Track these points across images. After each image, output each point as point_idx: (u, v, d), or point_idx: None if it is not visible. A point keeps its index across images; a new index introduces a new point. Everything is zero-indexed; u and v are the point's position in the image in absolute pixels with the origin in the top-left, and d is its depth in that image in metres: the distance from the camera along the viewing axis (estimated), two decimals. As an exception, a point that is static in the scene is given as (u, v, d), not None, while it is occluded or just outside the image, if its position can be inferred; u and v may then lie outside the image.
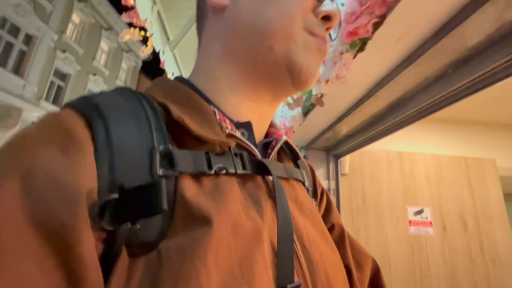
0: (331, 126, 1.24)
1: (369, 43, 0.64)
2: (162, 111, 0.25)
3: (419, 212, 1.53)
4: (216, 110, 0.27)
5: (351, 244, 0.39)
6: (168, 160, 0.22)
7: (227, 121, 0.27)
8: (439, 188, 1.58)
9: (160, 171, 0.21)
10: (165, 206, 0.19)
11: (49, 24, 8.34)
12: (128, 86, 0.27)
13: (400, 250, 1.44)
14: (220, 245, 0.20)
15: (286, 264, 0.23)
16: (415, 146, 1.65)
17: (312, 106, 1.08)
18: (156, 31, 1.76)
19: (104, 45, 10.65)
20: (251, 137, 0.30)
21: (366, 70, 0.76)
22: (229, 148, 0.26)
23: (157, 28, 1.72)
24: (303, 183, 0.36)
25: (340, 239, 0.38)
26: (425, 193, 1.56)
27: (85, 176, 0.19)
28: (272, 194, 0.27)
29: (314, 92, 0.91)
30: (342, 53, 0.70)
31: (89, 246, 0.17)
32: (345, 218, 1.44)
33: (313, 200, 0.38)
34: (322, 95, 0.92)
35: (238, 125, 0.30)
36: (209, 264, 0.19)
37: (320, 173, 1.52)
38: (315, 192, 0.41)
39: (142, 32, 1.80)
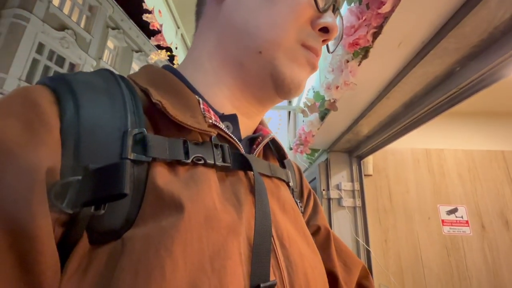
0: (349, 128, 1.26)
1: (372, 50, 0.68)
2: (142, 96, 0.24)
3: (453, 211, 1.46)
4: (200, 100, 0.26)
5: (339, 248, 0.39)
6: (142, 145, 0.21)
7: (212, 112, 0.27)
8: (474, 186, 1.50)
9: (131, 155, 0.20)
10: (126, 190, 0.18)
11: (88, 52, 9.28)
12: (109, 69, 0.26)
13: (433, 250, 1.39)
14: (190, 235, 0.19)
15: (262, 261, 0.22)
16: (444, 143, 1.59)
17: (328, 110, 1.12)
18: (181, 51, 1.92)
19: (135, 65, 11.56)
20: (235, 130, 0.29)
21: (374, 75, 0.79)
22: (210, 138, 0.26)
23: (181, 49, 1.89)
24: (288, 183, 0.35)
25: (325, 242, 0.38)
26: (458, 191, 1.49)
27: (47, 152, 0.17)
28: (253, 189, 0.26)
29: (326, 98, 0.96)
30: (347, 61, 0.75)
31: (45, 228, 0.16)
32: (371, 219, 1.43)
33: (298, 201, 0.37)
34: (335, 100, 0.96)
35: (223, 117, 0.29)
36: (176, 255, 0.18)
37: (343, 175, 1.53)
38: (301, 193, 0.40)
39: (169, 53, 1.99)
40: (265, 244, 0.22)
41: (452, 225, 1.44)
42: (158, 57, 1.97)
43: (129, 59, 11.26)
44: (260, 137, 0.32)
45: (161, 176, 0.21)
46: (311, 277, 0.26)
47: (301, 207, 0.38)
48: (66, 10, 8.64)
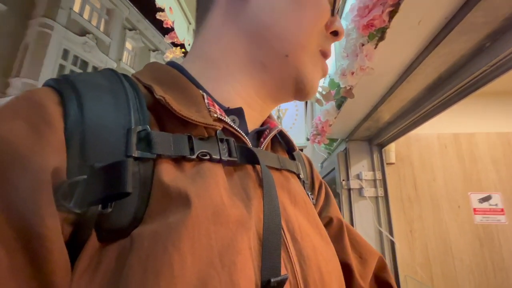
0: (368, 115, 1.21)
1: (389, 31, 0.64)
2: (146, 93, 0.24)
3: (486, 199, 1.37)
4: (204, 94, 0.26)
5: (354, 239, 0.38)
6: (146, 142, 0.21)
7: (216, 106, 0.26)
8: (510, 171, 1.39)
9: (135, 153, 0.20)
10: (129, 188, 0.18)
11: (109, 54, 9.64)
12: (112, 68, 0.25)
13: (464, 241, 1.32)
14: (198, 231, 0.19)
15: (272, 255, 0.21)
16: (475, 126, 1.47)
17: (345, 98, 1.08)
18: (194, 47, 1.93)
19: (153, 65, 11.86)
20: (242, 124, 0.29)
21: (392, 57, 0.74)
22: (215, 133, 0.25)
23: (194, 45, 1.89)
24: (298, 175, 0.34)
25: (339, 233, 0.37)
26: (491, 178, 1.38)
27: (53, 153, 0.18)
28: (262, 183, 0.25)
29: (342, 85, 0.92)
30: (363, 45, 0.71)
31: (53, 227, 0.16)
32: (395, 209, 1.38)
33: (309, 193, 0.37)
34: (351, 87, 0.92)
35: (229, 112, 0.28)
36: (184, 251, 0.18)
37: (364, 164, 1.48)
38: (313, 185, 0.40)
39: (183, 50, 2.00)
40: (275, 238, 0.22)
41: (485, 214, 1.34)
42: (173, 55, 1.99)
43: (146, 58, 11.56)
44: (268, 130, 0.31)
45: (167, 172, 0.21)
46: (325, 270, 0.26)
47: (312, 199, 0.37)
48: (85, 15, 8.99)
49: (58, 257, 0.16)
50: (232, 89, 0.29)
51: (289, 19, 0.28)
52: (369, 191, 1.41)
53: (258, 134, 0.32)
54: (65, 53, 8.30)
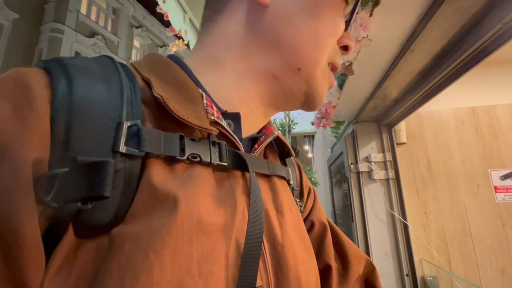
0: (373, 93, 1.13)
1: (383, -7, 0.57)
2: (143, 85, 0.23)
3: (509, 175, 1.27)
4: (204, 94, 0.25)
5: (339, 243, 0.38)
6: (136, 138, 0.20)
7: (215, 108, 0.26)
8: (536, 144, 1.27)
9: (123, 149, 0.19)
10: (107, 192, 0.17)
11: (118, 54, 9.79)
12: (110, 56, 0.25)
13: (484, 221, 1.24)
14: (181, 238, 0.18)
15: (250, 267, 0.21)
16: (495, 98, 1.35)
17: (345, 76, 1.01)
18: (192, 37, 1.89)
19: (162, 61, 11.92)
20: (237, 129, 0.28)
21: (390, 24, 0.67)
22: (208, 135, 0.25)
23: (191, 33, 1.86)
24: (288, 182, 0.34)
25: (321, 236, 0.37)
26: (515, 152, 1.27)
27: (35, 141, 0.17)
28: (249, 191, 0.25)
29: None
30: (356, 13, 0.64)
31: (29, 221, 0.15)
32: (408, 191, 1.31)
33: (298, 200, 0.36)
34: (350, 63, 0.86)
35: (226, 115, 0.28)
36: (165, 259, 0.17)
37: (373, 146, 1.41)
38: (301, 192, 0.39)
39: (186, 42, 1.97)
40: (255, 250, 0.22)
41: (508, 192, 1.25)
42: (176, 48, 1.96)
43: (155, 55, 11.62)
44: (263, 137, 0.31)
45: (157, 173, 0.20)
46: (305, 281, 0.25)
47: (300, 206, 0.37)
48: (93, 16, 9.11)
49: (32, 255, 0.16)
50: (237, 93, 0.29)
51: (306, 33, 0.27)
52: (379, 174, 1.35)
53: (253, 140, 0.31)
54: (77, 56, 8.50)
